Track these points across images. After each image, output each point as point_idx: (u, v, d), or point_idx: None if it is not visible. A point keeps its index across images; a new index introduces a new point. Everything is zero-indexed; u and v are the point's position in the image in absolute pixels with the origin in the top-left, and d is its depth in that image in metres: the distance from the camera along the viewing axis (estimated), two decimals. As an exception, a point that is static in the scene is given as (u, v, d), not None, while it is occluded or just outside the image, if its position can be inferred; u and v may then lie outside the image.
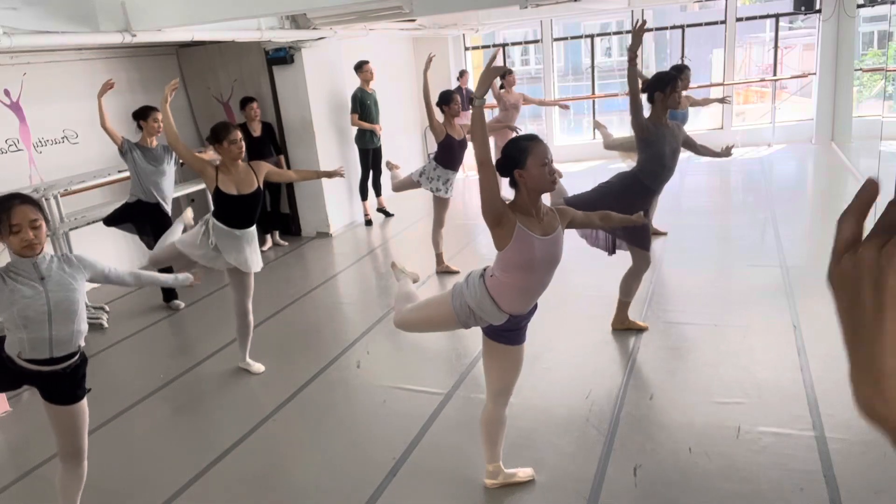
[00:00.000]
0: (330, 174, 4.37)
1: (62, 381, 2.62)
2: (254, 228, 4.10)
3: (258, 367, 4.30)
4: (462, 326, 2.73)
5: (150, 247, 5.64)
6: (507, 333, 2.68)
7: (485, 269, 2.67)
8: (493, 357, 2.76)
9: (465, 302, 2.64)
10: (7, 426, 3.89)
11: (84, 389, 2.71)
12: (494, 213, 2.45)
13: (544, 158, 2.45)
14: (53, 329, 2.52)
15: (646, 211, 4.25)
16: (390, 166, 6.19)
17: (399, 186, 5.95)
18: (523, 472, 2.97)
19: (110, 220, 5.50)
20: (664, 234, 6.27)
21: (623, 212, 4.14)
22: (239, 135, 3.89)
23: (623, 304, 4.37)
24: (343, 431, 3.53)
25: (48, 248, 2.58)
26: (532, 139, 2.52)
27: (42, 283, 2.48)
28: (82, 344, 2.68)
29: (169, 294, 5.69)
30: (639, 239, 4.19)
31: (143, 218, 5.43)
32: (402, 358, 4.47)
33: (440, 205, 5.78)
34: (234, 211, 3.95)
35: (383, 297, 5.61)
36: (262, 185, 4.00)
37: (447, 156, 5.63)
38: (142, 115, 5.26)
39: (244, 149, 3.94)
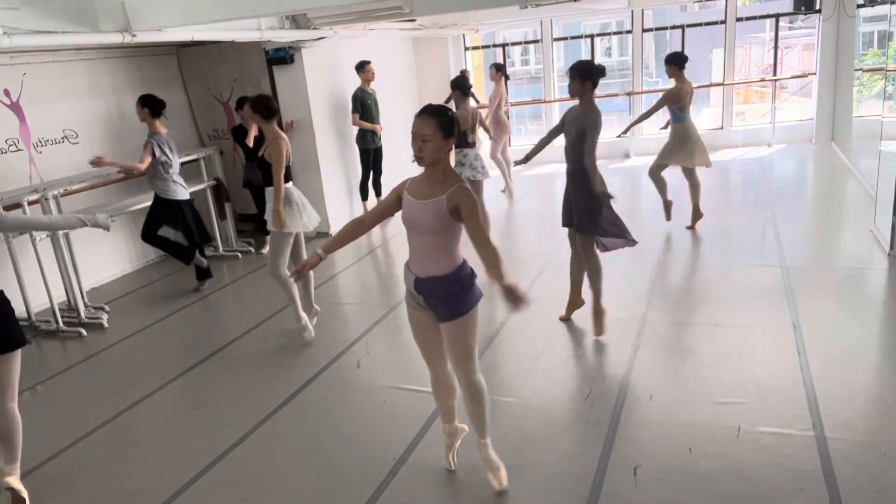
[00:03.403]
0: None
1: None
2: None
3: (310, 333, 4.65)
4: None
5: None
6: (421, 299, 2.75)
7: None
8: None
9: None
10: (7, 426, 3.88)
11: (11, 340, 2.80)
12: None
13: (413, 130, 2.51)
14: None
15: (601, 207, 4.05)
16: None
17: None
18: (497, 474, 2.92)
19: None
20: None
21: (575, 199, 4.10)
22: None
23: (573, 283, 4.51)
24: (343, 431, 3.53)
25: None
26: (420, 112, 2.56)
27: None
28: None
29: (202, 273, 5.99)
30: (584, 222, 4.13)
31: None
32: (402, 358, 4.46)
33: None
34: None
35: (383, 297, 5.61)
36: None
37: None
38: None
39: None
